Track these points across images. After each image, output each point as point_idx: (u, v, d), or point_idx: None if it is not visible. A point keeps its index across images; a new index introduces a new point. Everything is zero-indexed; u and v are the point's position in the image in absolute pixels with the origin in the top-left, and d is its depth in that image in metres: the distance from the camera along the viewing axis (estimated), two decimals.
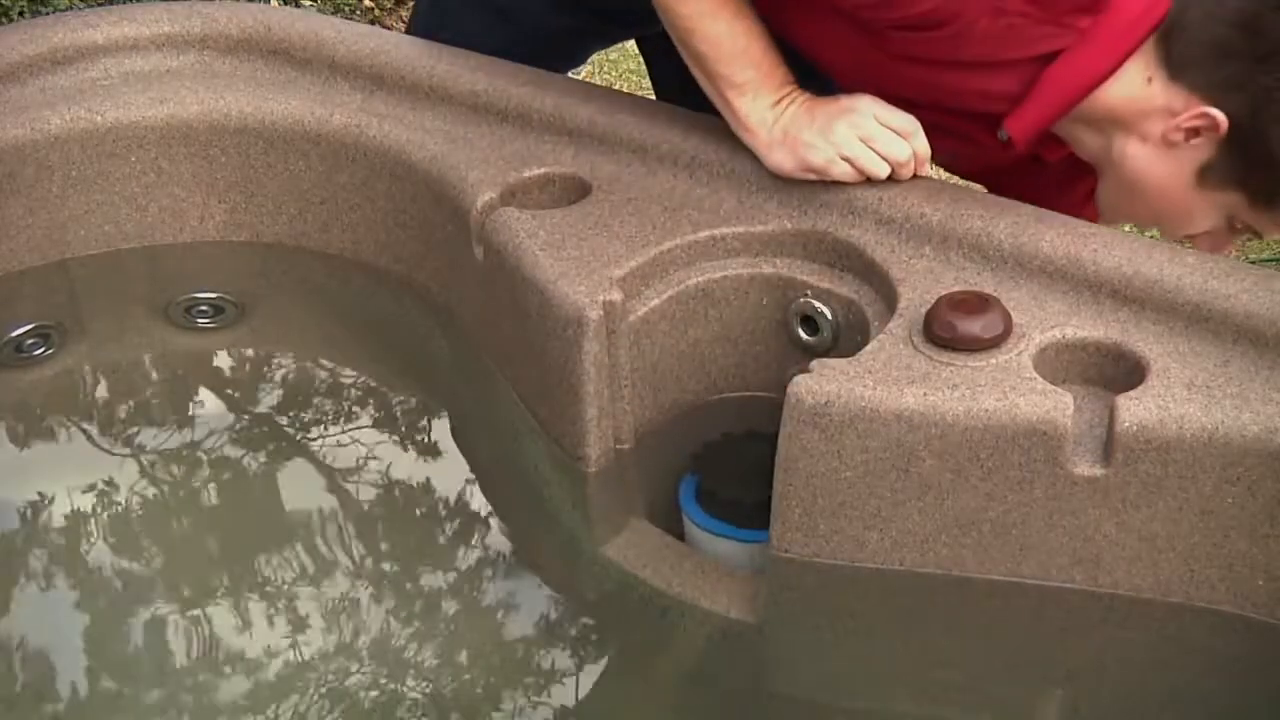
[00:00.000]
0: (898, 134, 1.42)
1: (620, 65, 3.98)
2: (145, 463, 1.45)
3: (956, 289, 1.31)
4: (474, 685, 1.24)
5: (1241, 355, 1.25)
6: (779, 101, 1.44)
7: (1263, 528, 1.20)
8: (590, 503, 1.40)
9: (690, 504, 1.36)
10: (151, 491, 1.42)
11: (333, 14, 3.55)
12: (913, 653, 1.28)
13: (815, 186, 1.44)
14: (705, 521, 1.35)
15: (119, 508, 1.40)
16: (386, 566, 1.34)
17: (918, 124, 1.42)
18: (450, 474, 1.44)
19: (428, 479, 1.43)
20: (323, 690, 1.23)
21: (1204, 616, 1.23)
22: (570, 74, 1.80)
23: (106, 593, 1.32)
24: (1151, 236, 1.78)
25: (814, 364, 1.26)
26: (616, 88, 2.61)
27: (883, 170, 1.42)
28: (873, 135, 1.41)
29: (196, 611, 1.29)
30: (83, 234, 1.67)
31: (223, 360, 1.60)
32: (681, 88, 1.58)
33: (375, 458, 1.45)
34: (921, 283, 1.34)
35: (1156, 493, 1.20)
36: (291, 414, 1.52)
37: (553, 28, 1.78)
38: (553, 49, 1.77)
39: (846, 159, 1.41)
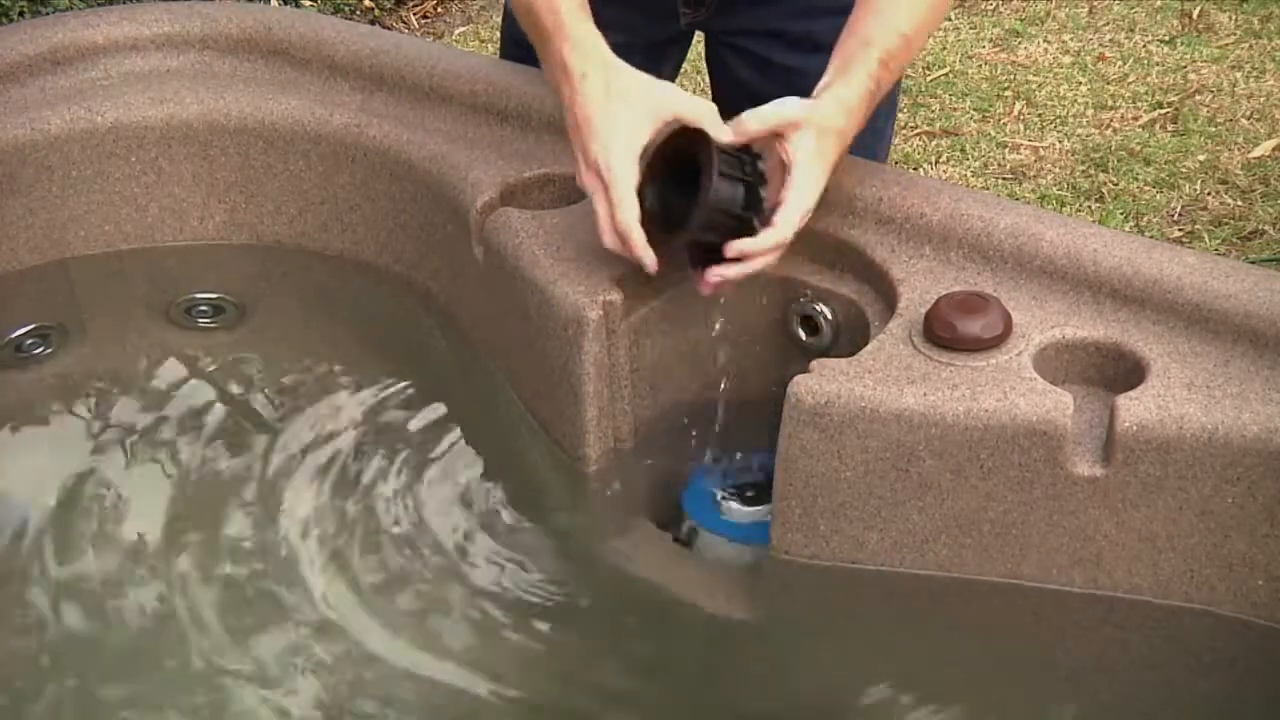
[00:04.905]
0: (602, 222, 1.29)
1: None
2: (145, 463, 1.45)
3: (956, 289, 1.31)
4: (472, 686, 1.24)
5: (1241, 355, 1.25)
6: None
7: (1263, 528, 1.19)
8: (590, 503, 1.40)
9: (691, 505, 1.36)
10: (152, 492, 1.42)
11: (333, 14, 3.55)
12: (913, 653, 1.28)
13: None
14: (706, 522, 1.35)
15: (119, 508, 1.40)
16: (385, 566, 1.34)
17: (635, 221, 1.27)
18: (450, 474, 1.43)
19: (427, 479, 1.43)
20: (319, 690, 1.23)
21: (1204, 618, 1.23)
22: None
23: (105, 593, 1.32)
24: (1152, 237, 1.78)
25: (814, 364, 1.26)
26: None
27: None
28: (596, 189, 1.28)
29: (195, 611, 1.29)
30: (83, 234, 1.67)
31: (223, 360, 1.59)
32: (729, 91, 1.55)
33: (375, 458, 1.45)
34: (921, 283, 1.34)
35: (1156, 493, 1.20)
36: (291, 414, 1.52)
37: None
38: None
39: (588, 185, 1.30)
